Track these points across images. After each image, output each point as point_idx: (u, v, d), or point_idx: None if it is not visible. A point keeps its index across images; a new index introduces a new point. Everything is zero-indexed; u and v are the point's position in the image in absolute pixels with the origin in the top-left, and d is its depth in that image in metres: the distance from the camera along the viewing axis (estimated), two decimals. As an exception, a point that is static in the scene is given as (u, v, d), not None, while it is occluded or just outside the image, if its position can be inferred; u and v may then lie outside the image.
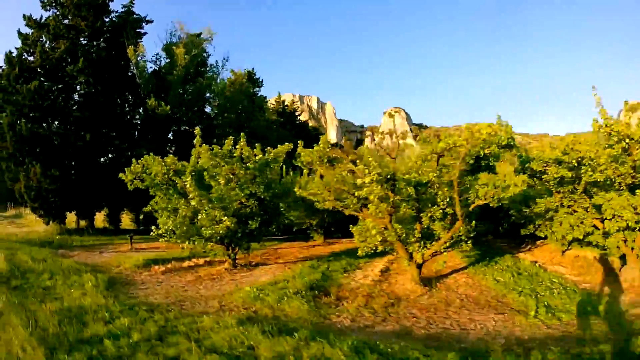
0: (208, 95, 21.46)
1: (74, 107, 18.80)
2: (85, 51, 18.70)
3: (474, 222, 8.94)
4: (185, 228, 10.43)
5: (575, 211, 10.36)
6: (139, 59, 20.03)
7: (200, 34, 21.79)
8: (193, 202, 10.41)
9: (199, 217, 10.47)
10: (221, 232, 10.19)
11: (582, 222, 10.05)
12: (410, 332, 6.01)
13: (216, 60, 22.16)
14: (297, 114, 31.08)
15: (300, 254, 14.36)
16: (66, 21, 19.51)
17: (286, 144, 11.73)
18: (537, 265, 10.89)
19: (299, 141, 10.41)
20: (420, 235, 8.66)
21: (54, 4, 19.43)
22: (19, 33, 19.26)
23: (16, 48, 18.67)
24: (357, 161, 8.74)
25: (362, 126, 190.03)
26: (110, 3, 20.35)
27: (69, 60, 18.32)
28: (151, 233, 10.58)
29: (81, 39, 19.59)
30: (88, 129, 17.72)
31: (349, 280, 9.32)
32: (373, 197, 7.79)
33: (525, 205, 11.61)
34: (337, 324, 6.30)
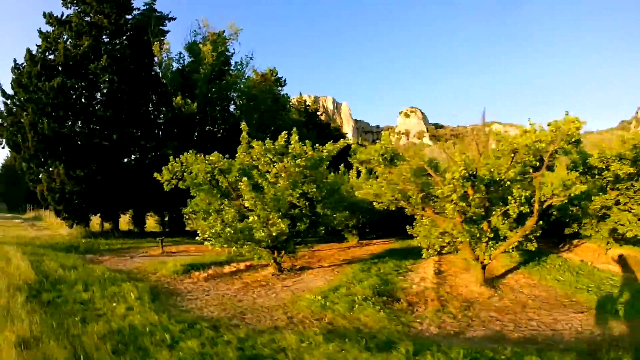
0: (233, 94, 20.05)
1: (97, 106, 17.43)
2: (109, 49, 17.35)
3: (541, 221, 8.11)
4: (233, 231, 9.11)
5: (631, 209, 9.88)
6: (164, 56, 18.71)
7: (223, 31, 20.43)
8: (247, 203, 9.14)
9: (250, 219, 9.14)
10: (274, 234, 8.98)
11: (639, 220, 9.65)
12: (502, 336, 5.54)
13: (241, 58, 20.74)
14: (318, 113, 29.77)
15: (339, 256, 13.21)
16: (88, 18, 18.21)
17: (341, 140, 10.69)
18: (589, 264, 10.33)
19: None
20: (492, 235, 8.11)
21: (75, 1, 18.11)
22: (40, 32, 17.95)
23: (37, 46, 17.35)
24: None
25: (377, 126, 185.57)
26: (133, 1, 19.03)
27: (92, 57, 16.95)
28: (197, 237, 9.32)
29: (103, 37, 18.26)
30: (112, 128, 16.36)
31: (408, 284, 8.58)
32: (456, 196, 7.26)
33: (571, 204, 10.80)
34: (423, 332, 5.70)
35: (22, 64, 16.84)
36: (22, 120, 16.22)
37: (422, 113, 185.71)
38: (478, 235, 7.99)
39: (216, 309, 6.73)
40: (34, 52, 16.65)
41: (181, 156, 10.35)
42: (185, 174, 10.16)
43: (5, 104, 16.99)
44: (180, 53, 20.20)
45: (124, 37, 18.86)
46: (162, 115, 18.86)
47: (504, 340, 5.30)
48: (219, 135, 20.01)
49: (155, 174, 10.54)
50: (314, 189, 10.04)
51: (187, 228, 10.67)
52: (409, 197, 8.66)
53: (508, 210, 7.45)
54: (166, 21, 20.20)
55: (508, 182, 7.68)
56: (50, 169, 16.73)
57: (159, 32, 19.31)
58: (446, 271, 10.09)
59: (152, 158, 17.60)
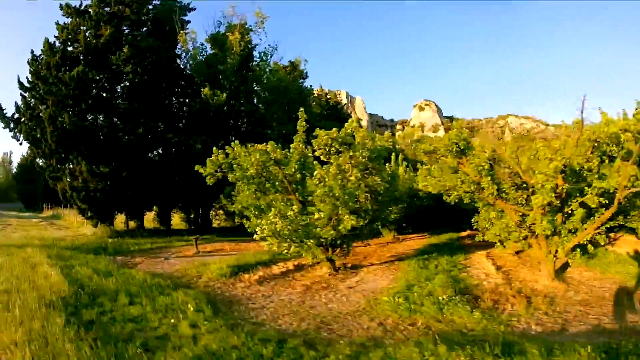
0: (258, 85, 18.40)
1: (119, 100, 15.85)
2: (130, 39, 15.76)
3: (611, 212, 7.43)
4: (296, 229, 7.80)
5: None
6: (189, 46, 17.11)
7: (246, 22, 18.81)
8: (316, 199, 7.91)
9: (316, 215, 7.85)
10: (343, 232, 7.91)
11: None
12: (604, 329, 5.09)
13: (265, 48, 19.10)
14: (339, 106, 28.22)
15: (382, 252, 12.02)
16: (107, 9, 16.59)
17: (387, 132, 9.60)
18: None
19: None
20: (572, 227, 7.41)
21: (93, -9, 16.47)
22: (57, 24, 16.35)
23: (55, 37, 15.76)
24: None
25: (392, 120, 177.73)
26: (154, -11, 17.40)
27: (113, 49, 15.37)
28: (255, 236, 7.99)
29: (124, 28, 16.64)
30: (136, 121, 14.81)
31: (477, 280, 7.83)
32: (549, 186, 6.79)
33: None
34: (527, 331, 5.13)
35: (40, 55, 15.28)
36: (41, 114, 14.71)
37: (437, 106, 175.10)
38: (558, 227, 7.36)
39: (292, 319, 5.63)
40: (52, 42, 15.04)
41: (227, 147, 8.88)
42: (234, 165, 8.65)
43: (23, 97, 15.45)
44: (202, 44, 18.56)
45: (145, 28, 17.27)
46: (185, 108, 17.27)
47: (612, 334, 4.81)
48: (243, 129, 18.45)
49: (197, 167, 9.05)
50: (379, 181, 8.78)
51: (250, 230, 9.11)
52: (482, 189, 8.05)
53: (583, 202, 7.01)
54: (187, 11, 18.56)
55: (587, 173, 7.27)
56: (71, 166, 15.26)
57: (181, 22, 17.67)
58: (503, 266, 9.28)
59: (176, 152, 16.04)
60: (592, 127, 7.56)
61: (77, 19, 16.28)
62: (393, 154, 13.76)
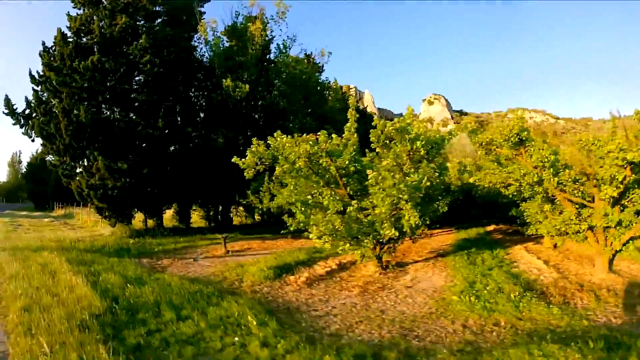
0: (278, 77, 17.13)
1: (134, 93, 14.56)
2: (147, 29, 14.47)
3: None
4: (351, 226, 6.75)
5: None
6: (210, 36, 15.80)
7: (264, 14, 17.49)
8: (377, 194, 6.90)
9: (377, 211, 6.85)
10: (405, 229, 7.02)
11: None
12: None
13: (284, 40, 17.83)
14: (356, 100, 27.02)
15: (417, 248, 11.35)
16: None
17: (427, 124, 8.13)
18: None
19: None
20: (628, 219, 6.98)
21: (107, -20, 15.14)
22: (68, 15, 15.04)
23: (68, 27, 14.44)
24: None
25: (400, 114, 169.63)
26: (169, -21, 16.04)
27: (129, 39, 14.10)
28: (310, 236, 7.08)
29: (139, 18, 15.32)
30: (155, 115, 13.54)
31: (534, 275, 7.45)
32: (620, 177, 6.52)
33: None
34: (612, 324, 4.82)
35: (52, 47, 13.98)
36: (54, 108, 13.45)
37: (446, 100, 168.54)
38: (616, 220, 6.98)
39: (369, 327, 4.90)
40: (64, 33, 13.75)
41: (269, 137, 7.75)
42: (280, 157, 7.50)
43: (35, 91, 14.16)
44: (218, 36, 17.22)
45: (160, 19, 15.96)
46: (202, 101, 15.99)
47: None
48: (261, 122, 17.20)
49: (235, 159, 7.93)
50: (435, 175, 7.82)
51: (292, 227, 8.04)
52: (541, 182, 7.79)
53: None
54: (203, 2, 17.24)
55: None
56: (87, 163, 14.01)
57: (198, 13, 16.36)
58: (549, 260, 8.94)
59: (196, 147, 14.76)
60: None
61: (90, 10, 14.97)
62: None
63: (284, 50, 17.70)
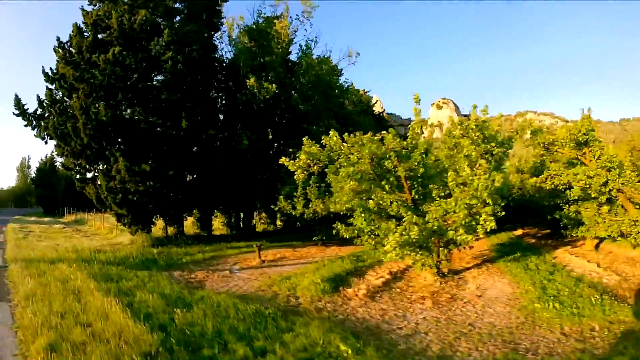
0: (303, 78, 15.95)
1: (157, 90, 13.31)
2: (168, 24, 13.31)
3: None
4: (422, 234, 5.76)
5: None
6: (235, 32, 14.65)
7: (287, 13, 16.34)
8: (453, 198, 6.15)
9: (452, 217, 6.11)
10: (480, 234, 6.59)
11: None
12: None
13: (306, 40, 16.68)
14: (370, 104, 25.89)
15: (457, 254, 9.78)
16: (139, -3, 14.06)
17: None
18: None
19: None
20: None
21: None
22: (82, 9, 13.80)
23: (84, 23, 13.24)
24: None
25: (409, 119, 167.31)
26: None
27: (150, 35, 12.92)
28: (385, 248, 6.08)
29: (158, 13, 14.16)
30: (178, 115, 12.32)
31: (595, 279, 7.15)
32: None
33: None
34: None
35: (67, 41, 12.77)
36: (69, 108, 12.22)
37: (455, 104, 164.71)
38: None
39: (470, 345, 4.33)
40: (80, 27, 12.54)
41: (324, 137, 6.62)
42: (341, 158, 6.35)
43: (48, 90, 12.91)
44: (238, 35, 16.07)
45: (179, 17, 14.82)
46: (224, 101, 14.79)
47: None
48: (283, 124, 16.03)
49: (283, 160, 6.80)
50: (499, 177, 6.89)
51: (345, 235, 6.93)
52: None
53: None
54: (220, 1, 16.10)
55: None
56: (102, 167, 12.77)
57: (218, 11, 15.21)
58: (599, 262, 8.49)
59: (218, 149, 13.52)
60: None
61: (108, 5, 13.80)
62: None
63: (307, 51, 16.54)
